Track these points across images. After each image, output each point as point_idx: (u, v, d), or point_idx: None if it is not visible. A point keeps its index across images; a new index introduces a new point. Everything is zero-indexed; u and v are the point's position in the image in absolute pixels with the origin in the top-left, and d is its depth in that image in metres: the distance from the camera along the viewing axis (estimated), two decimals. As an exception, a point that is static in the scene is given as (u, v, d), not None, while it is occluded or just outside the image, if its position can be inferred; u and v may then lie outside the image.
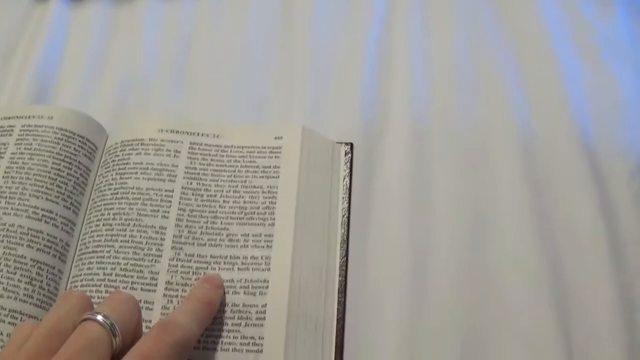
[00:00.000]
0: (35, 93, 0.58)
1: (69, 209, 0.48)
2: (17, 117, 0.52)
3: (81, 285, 0.45)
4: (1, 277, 0.44)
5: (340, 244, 0.49)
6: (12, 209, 0.47)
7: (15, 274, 0.45)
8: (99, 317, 0.37)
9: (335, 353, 0.45)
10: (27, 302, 0.44)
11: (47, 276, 0.45)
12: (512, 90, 0.58)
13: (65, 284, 0.46)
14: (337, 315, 0.46)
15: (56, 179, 0.49)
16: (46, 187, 0.48)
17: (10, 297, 0.44)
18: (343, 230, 0.50)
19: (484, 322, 0.47)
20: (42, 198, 0.48)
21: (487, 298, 0.48)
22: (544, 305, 0.47)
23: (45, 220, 0.47)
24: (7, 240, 0.46)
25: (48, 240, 0.46)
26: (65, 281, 0.46)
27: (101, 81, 0.60)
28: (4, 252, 0.45)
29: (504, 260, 0.49)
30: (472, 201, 0.52)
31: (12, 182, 0.48)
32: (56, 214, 0.47)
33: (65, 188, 0.49)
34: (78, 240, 0.48)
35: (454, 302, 0.48)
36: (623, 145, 0.55)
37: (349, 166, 0.53)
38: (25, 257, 0.45)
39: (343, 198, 0.51)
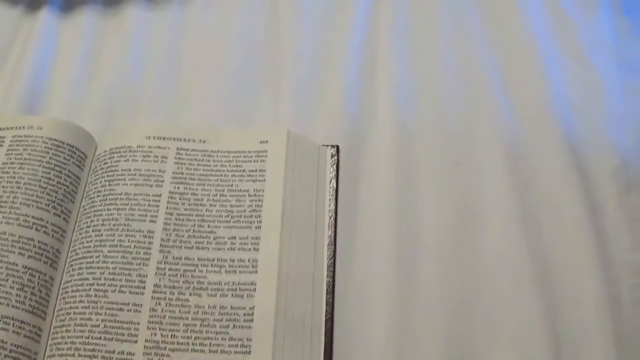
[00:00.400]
0: (26, 103, 0.58)
1: (60, 216, 0.49)
2: (8, 128, 0.53)
3: (72, 291, 0.46)
4: (-7, 284, 0.45)
5: (328, 245, 0.50)
6: (3, 217, 0.48)
7: (7, 280, 0.45)
8: None
9: (325, 353, 0.45)
10: (19, 309, 0.45)
11: (38, 282, 0.46)
12: (497, 88, 0.58)
13: (57, 290, 0.47)
14: (325, 316, 0.47)
15: (46, 188, 0.49)
16: (37, 196, 0.49)
17: (2, 304, 0.44)
18: (330, 232, 0.50)
19: (471, 319, 0.47)
20: (32, 206, 0.48)
21: (474, 296, 0.48)
22: (531, 301, 0.47)
23: (36, 228, 0.48)
24: (-1, 248, 0.47)
25: (39, 248, 0.47)
26: (56, 287, 0.47)
27: (91, 90, 0.60)
28: (-4, 259, 0.46)
29: (491, 257, 0.49)
30: (458, 200, 0.52)
31: (3, 191, 0.49)
32: (47, 222, 0.48)
33: (56, 196, 0.49)
34: (69, 247, 0.49)
35: (441, 300, 0.48)
36: (607, 141, 0.55)
37: (335, 168, 0.53)
38: (16, 265, 0.46)
39: (330, 200, 0.52)
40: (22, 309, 0.45)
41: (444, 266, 0.49)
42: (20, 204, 0.48)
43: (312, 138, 0.55)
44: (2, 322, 0.44)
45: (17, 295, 0.45)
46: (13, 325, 0.44)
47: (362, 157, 0.55)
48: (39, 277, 0.46)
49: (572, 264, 0.49)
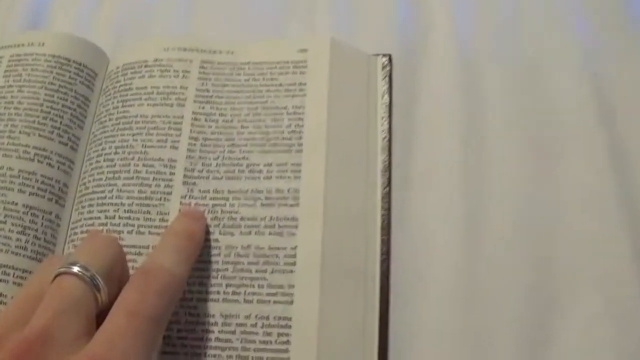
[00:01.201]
0: (29, 23, 0.50)
1: (66, 145, 0.41)
2: (5, 47, 0.44)
3: (81, 232, 0.38)
4: (-11, 227, 0.37)
5: (382, 171, 0.41)
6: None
7: (5, 223, 0.37)
8: (76, 269, 0.30)
9: (381, 300, 0.37)
10: (20, 255, 0.37)
11: (42, 223, 0.38)
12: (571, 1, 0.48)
13: (64, 232, 0.39)
14: (381, 256, 0.38)
15: (50, 113, 0.41)
16: (38, 122, 0.40)
17: (2, 251, 0.37)
18: (384, 156, 0.41)
19: (552, 263, 0.38)
20: (34, 135, 0.40)
21: (554, 236, 0.39)
22: (619, 241, 0.38)
23: (38, 160, 0.39)
24: (-5, 185, 0.38)
25: (42, 183, 0.39)
26: (65, 228, 0.39)
27: (101, 5, 0.51)
28: (-8, 198, 0.38)
29: (573, 193, 0.40)
30: (533, 123, 0.43)
31: (0, 119, 0.41)
32: (51, 152, 0.40)
33: (61, 122, 0.41)
34: (78, 181, 0.40)
35: (516, 238, 0.39)
36: None
37: (387, 81, 0.44)
38: (16, 204, 0.38)
39: (382, 118, 0.42)
40: (23, 256, 0.37)
41: (520, 201, 0.40)
42: (20, 132, 0.40)
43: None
44: (0, 272, 0.36)
45: (17, 239, 0.37)
46: (14, 275, 0.36)
47: (418, 69, 0.45)
48: (43, 217, 0.38)
49: None
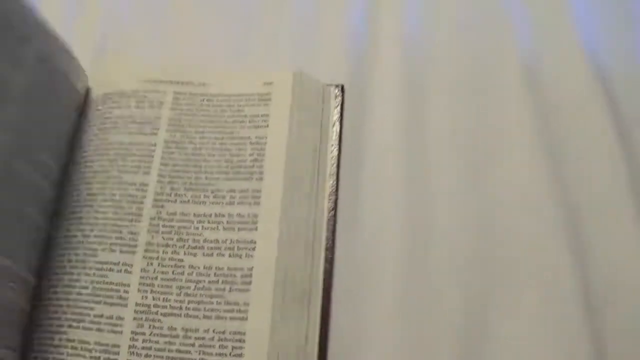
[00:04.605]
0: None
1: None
2: None
3: (60, 249, 0.37)
4: None
5: (329, 196, 0.40)
6: None
7: None
8: None
9: (322, 316, 0.36)
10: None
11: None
12: (511, 10, 0.46)
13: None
14: (324, 275, 0.37)
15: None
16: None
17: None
18: (332, 181, 0.40)
19: (491, 263, 0.37)
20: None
21: (494, 237, 0.38)
22: (557, 240, 0.37)
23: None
24: None
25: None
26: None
27: (79, 32, 0.47)
28: None
29: (513, 193, 0.39)
30: (475, 134, 0.41)
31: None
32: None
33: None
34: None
35: (457, 244, 0.38)
36: (635, 62, 0.44)
37: (339, 110, 0.43)
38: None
39: (332, 146, 0.42)
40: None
41: (460, 207, 0.39)
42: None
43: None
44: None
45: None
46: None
47: (367, 97, 0.44)
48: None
49: (602, 198, 0.39)
